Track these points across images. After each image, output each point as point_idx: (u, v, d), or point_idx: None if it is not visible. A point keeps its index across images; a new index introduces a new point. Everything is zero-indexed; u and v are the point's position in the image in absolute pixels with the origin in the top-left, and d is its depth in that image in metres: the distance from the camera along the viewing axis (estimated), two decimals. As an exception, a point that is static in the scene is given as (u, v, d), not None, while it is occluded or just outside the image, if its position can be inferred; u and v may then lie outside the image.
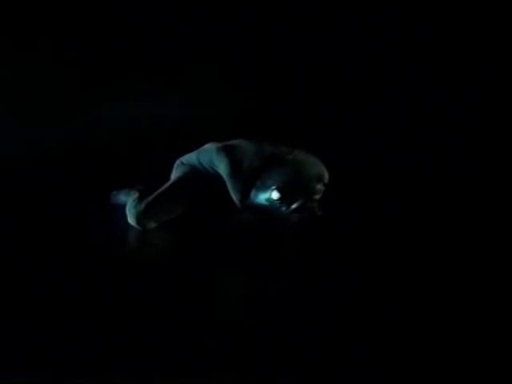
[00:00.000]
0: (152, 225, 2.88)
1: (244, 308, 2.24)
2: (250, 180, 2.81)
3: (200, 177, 2.97)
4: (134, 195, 2.98)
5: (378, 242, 2.83)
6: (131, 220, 2.89)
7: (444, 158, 3.91)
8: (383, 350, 1.95)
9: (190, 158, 3.05)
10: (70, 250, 2.65)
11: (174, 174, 3.06)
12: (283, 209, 2.76)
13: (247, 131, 3.13)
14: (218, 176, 2.92)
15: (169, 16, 4.12)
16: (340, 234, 2.91)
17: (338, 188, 3.09)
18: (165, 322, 2.11)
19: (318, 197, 2.78)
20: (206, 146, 3.05)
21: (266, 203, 2.78)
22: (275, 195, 2.74)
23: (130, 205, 2.93)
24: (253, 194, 2.80)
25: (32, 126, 4.06)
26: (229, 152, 2.90)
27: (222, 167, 2.89)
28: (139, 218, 2.86)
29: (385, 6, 4.10)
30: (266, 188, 2.77)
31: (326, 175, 2.93)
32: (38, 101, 4.12)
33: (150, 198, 2.90)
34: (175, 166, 3.10)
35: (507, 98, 4.11)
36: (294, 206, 2.75)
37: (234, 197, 2.84)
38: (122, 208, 3.01)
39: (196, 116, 4.09)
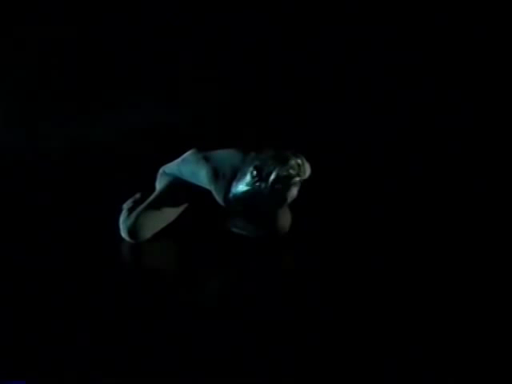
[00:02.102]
0: (144, 237, 2.87)
1: (240, 311, 2.23)
2: (231, 179, 2.81)
3: (184, 186, 2.96)
4: (126, 207, 2.99)
5: (369, 244, 2.83)
6: (123, 234, 2.89)
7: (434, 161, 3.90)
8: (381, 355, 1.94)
9: (172, 168, 3.03)
10: (66, 261, 2.65)
11: (159, 184, 3.05)
12: (262, 186, 2.73)
13: (235, 137, 3.12)
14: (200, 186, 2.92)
15: (167, 21, 4.12)
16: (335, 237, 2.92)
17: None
18: (159, 330, 2.12)
19: (294, 171, 2.73)
20: (187, 154, 3.02)
21: (246, 188, 2.77)
22: (253, 173, 2.73)
23: (121, 218, 2.94)
24: (233, 186, 2.80)
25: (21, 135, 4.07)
26: (209, 159, 2.89)
27: (202, 173, 2.88)
28: (130, 232, 2.86)
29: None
30: (244, 174, 2.77)
31: (306, 166, 2.84)
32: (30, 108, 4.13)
33: (138, 211, 2.90)
34: (158, 174, 3.08)
35: (499, 101, 4.08)
36: (271, 178, 2.71)
37: (218, 197, 2.84)
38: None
39: (187, 122, 4.07)
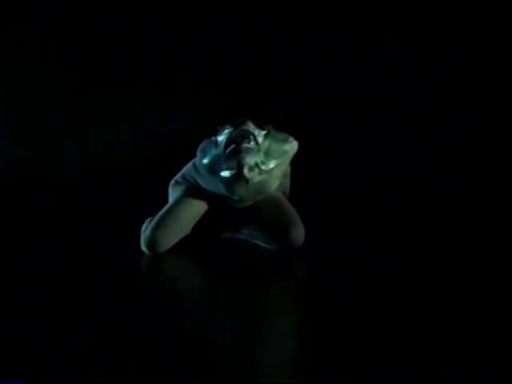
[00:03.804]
0: (162, 249, 2.86)
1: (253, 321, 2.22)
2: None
3: (198, 194, 2.95)
4: (148, 220, 2.96)
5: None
6: (142, 247, 2.88)
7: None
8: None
9: (181, 175, 3.02)
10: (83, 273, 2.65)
11: (172, 196, 3.01)
12: (218, 151, 2.79)
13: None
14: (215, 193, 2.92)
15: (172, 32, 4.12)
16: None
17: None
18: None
19: (245, 138, 2.76)
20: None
21: (211, 155, 2.83)
22: (212, 139, 2.83)
23: (142, 231, 2.92)
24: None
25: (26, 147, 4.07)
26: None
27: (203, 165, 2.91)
28: (148, 244, 2.85)
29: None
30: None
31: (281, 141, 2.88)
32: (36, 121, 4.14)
33: (153, 224, 2.87)
34: (170, 186, 3.05)
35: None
36: (222, 142, 2.76)
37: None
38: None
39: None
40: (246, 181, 2.77)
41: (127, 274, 2.66)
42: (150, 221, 2.93)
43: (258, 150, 2.78)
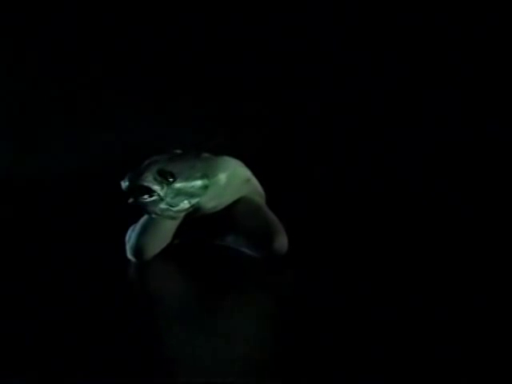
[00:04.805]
0: (149, 255, 2.79)
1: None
2: None
3: None
4: (132, 227, 2.88)
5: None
6: (129, 255, 2.80)
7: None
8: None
9: None
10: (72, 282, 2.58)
11: None
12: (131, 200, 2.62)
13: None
14: None
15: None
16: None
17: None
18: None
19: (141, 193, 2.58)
20: None
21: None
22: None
23: (126, 240, 2.85)
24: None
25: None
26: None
27: None
28: (134, 252, 2.77)
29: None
30: None
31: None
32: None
33: (137, 230, 2.79)
34: None
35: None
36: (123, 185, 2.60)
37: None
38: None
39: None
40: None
41: (114, 280, 2.62)
42: (134, 229, 2.87)
43: (160, 200, 2.62)
